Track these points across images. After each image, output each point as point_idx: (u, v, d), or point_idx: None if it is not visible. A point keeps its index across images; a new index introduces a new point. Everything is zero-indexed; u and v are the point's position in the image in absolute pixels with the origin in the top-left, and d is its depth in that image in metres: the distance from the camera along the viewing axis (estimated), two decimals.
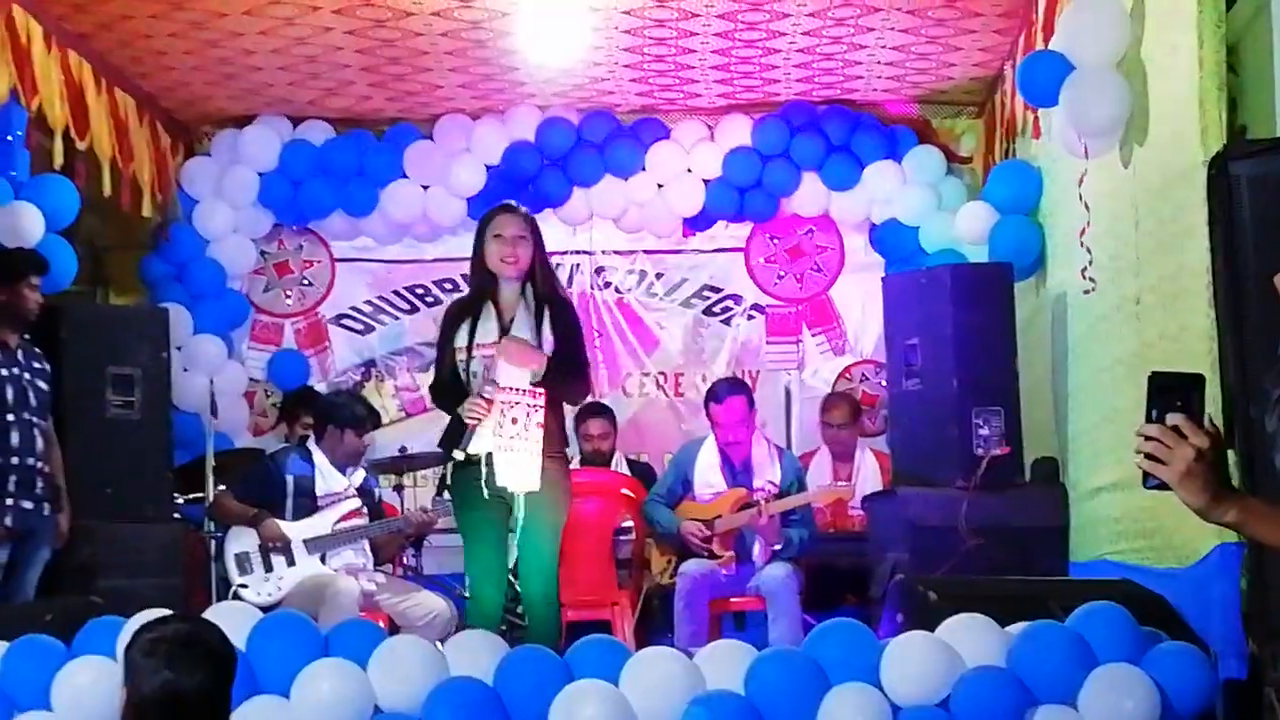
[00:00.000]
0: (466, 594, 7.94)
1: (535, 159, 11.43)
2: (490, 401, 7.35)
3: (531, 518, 7.44)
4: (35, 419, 7.96)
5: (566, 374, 7.58)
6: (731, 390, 9.47)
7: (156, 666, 4.10)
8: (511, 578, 7.80)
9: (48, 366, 8.17)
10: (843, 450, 10.60)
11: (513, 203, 8.01)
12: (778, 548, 9.11)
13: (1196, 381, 3.31)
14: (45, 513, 7.98)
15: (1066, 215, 8.67)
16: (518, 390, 7.38)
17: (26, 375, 7.99)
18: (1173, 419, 3.25)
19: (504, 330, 7.49)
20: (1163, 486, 3.28)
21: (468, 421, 7.37)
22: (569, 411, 11.15)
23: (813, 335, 12.09)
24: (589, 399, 10.26)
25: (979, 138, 11.46)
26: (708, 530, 9.15)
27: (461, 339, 7.54)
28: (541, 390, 7.41)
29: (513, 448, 7.37)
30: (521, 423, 7.38)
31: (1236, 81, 6.38)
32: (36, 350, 8.15)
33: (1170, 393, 3.28)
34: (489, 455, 7.39)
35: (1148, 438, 3.27)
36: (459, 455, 7.44)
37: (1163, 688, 5.86)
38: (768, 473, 9.25)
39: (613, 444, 10.86)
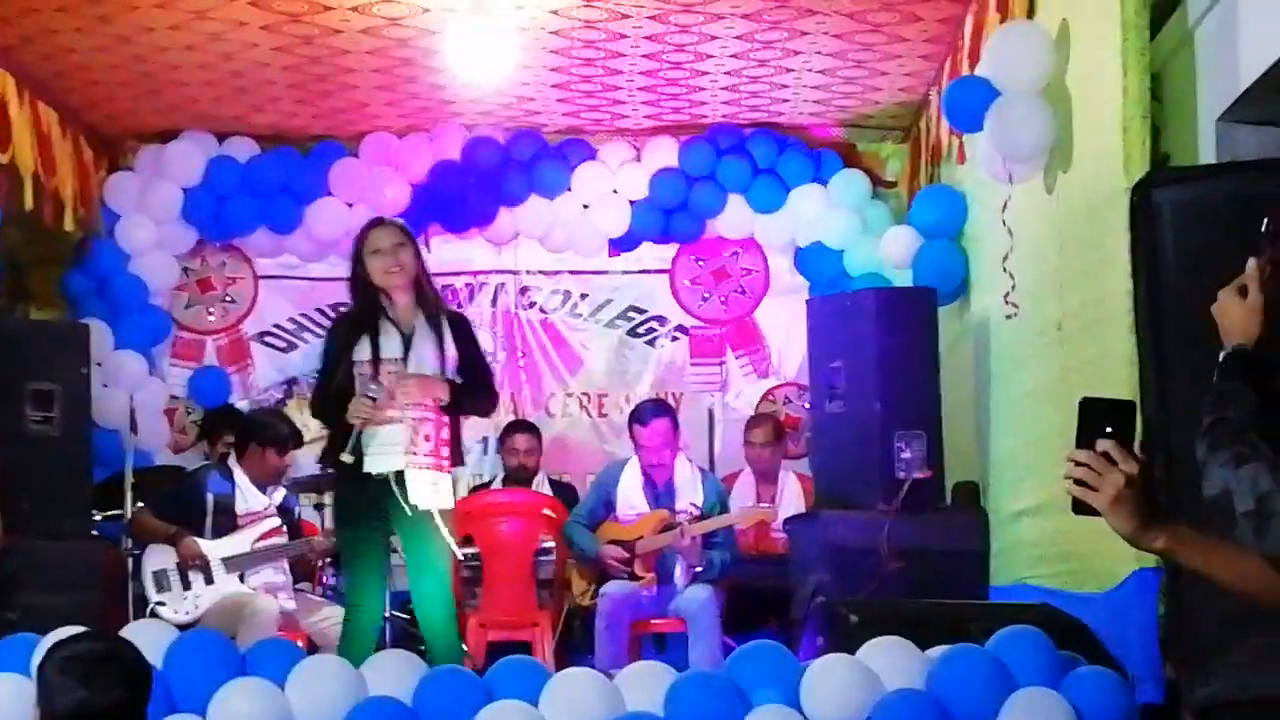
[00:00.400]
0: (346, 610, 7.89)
1: (461, 178, 11.40)
2: (374, 400, 7.33)
3: (428, 538, 7.43)
4: None
5: (476, 390, 7.65)
6: (656, 412, 9.48)
7: (70, 685, 4.06)
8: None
9: None
10: (766, 472, 10.61)
11: (384, 217, 8.03)
12: (699, 569, 9.11)
13: (1127, 408, 3.30)
14: None
15: (990, 240, 8.71)
16: (426, 406, 7.38)
17: None
18: (1103, 445, 3.23)
19: (407, 343, 7.48)
20: (1092, 512, 3.26)
21: (352, 422, 7.34)
22: (494, 428, 11.18)
23: (736, 357, 12.11)
24: (512, 416, 10.34)
25: (904, 162, 11.51)
26: (627, 554, 9.16)
27: (363, 353, 7.49)
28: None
29: (427, 465, 7.39)
30: (433, 440, 7.42)
31: (1160, 109, 6.42)
32: None
33: (1100, 418, 3.27)
34: (399, 474, 7.38)
35: (1078, 463, 3.25)
36: (347, 458, 7.36)
37: (1080, 711, 5.89)
38: (690, 494, 9.27)
39: (538, 461, 10.82)
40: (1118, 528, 3.26)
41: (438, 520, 7.40)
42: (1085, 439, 3.25)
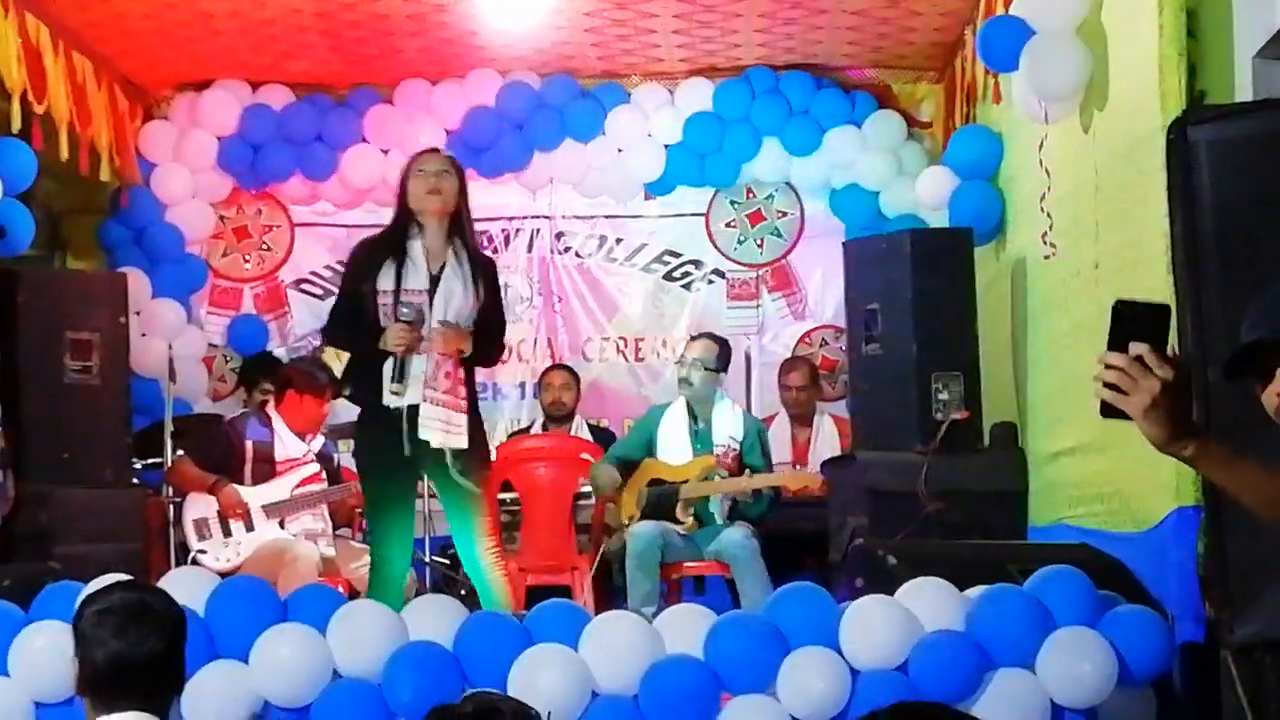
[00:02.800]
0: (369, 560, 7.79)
1: (495, 123, 11.39)
2: (412, 325, 7.21)
3: (451, 481, 7.38)
4: None
5: (489, 340, 7.52)
6: (706, 334, 9.75)
7: (104, 638, 4.12)
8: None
9: None
10: (801, 415, 10.63)
11: (437, 148, 7.96)
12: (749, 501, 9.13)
13: (1162, 312, 3.20)
14: None
15: (1027, 180, 8.68)
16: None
17: None
18: (1137, 349, 3.14)
19: (433, 278, 7.33)
20: (1121, 416, 3.18)
21: (394, 349, 7.22)
22: (532, 373, 11.22)
23: (773, 300, 12.10)
24: (549, 361, 10.51)
25: (939, 103, 11.45)
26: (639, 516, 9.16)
27: (387, 282, 7.31)
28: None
29: (443, 402, 7.25)
30: (453, 378, 7.28)
31: (1196, 47, 6.38)
32: None
33: (1135, 322, 3.16)
34: (411, 408, 7.26)
35: (1109, 366, 3.17)
36: (396, 388, 7.22)
37: (1120, 651, 5.89)
38: (729, 429, 9.24)
39: (574, 398, 10.83)
40: (1148, 434, 3.19)
41: (448, 462, 7.32)
42: (1118, 342, 3.17)
